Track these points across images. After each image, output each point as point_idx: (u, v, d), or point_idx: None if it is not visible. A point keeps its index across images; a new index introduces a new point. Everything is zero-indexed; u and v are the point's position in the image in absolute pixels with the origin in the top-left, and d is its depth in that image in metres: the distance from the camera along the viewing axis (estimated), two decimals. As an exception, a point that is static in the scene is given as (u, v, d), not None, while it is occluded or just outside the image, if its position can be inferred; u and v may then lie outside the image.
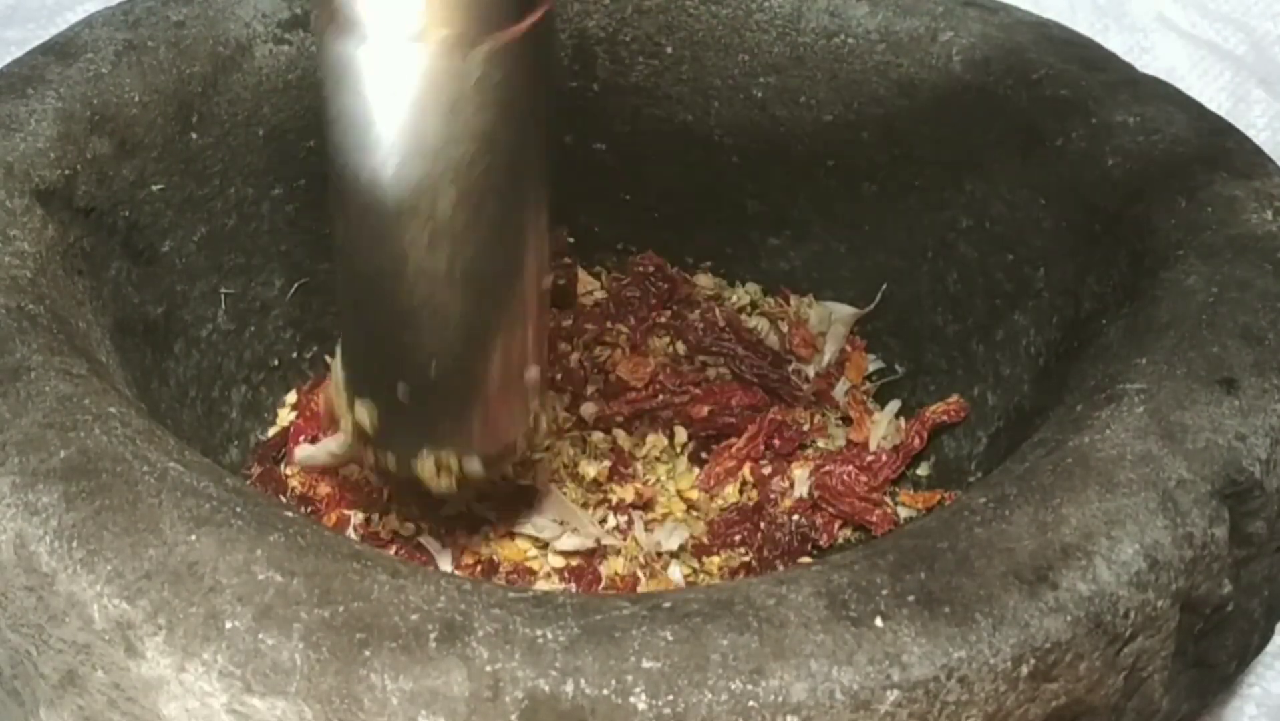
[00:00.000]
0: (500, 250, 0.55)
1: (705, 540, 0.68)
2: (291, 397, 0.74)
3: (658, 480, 0.70)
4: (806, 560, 0.68)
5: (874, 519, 0.68)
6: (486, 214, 0.53)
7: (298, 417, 0.71)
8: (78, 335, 0.53)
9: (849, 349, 0.77)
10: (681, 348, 0.76)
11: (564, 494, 0.68)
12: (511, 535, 0.66)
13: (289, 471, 0.68)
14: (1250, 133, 0.69)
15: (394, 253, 0.53)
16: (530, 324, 0.58)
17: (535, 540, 0.66)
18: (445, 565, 0.65)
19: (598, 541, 0.66)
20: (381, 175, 0.51)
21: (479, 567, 0.65)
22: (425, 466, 0.59)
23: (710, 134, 0.77)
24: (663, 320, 0.77)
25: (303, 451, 0.68)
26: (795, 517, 0.69)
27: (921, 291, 0.73)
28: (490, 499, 0.67)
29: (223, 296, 0.68)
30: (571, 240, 0.79)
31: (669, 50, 0.75)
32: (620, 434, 0.71)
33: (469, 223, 0.53)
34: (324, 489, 0.67)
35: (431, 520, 0.67)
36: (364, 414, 0.59)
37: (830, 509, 0.69)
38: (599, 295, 0.80)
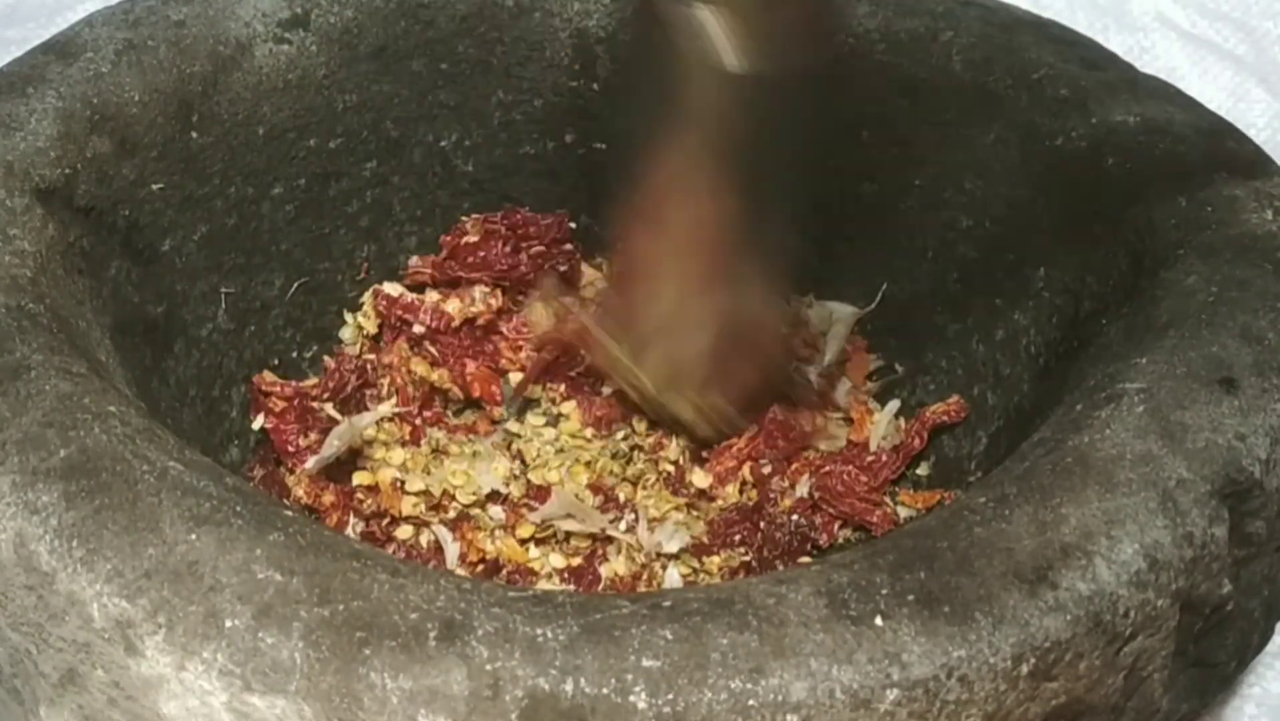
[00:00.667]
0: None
1: (705, 539, 0.68)
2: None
3: (659, 479, 0.70)
4: (806, 560, 0.67)
5: (874, 519, 0.68)
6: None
7: (268, 419, 0.71)
8: (78, 334, 0.53)
9: (850, 349, 0.76)
10: None
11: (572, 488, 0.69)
12: (514, 531, 0.67)
13: (291, 480, 0.68)
14: (1250, 132, 0.69)
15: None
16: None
17: (538, 539, 0.66)
18: (451, 559, 0.65)
19: (602, 530, 0.66)
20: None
21: (481, 566, 0.65)
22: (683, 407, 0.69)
23: (709, 133, 0.77)
24: None
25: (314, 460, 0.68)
26: (795, 517, 0.69)
27: (922, 291, 0.73)
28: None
29: (223, 296, 0.68)
30: (573, 225, 0.80)
31: (669, 50, 0.75)
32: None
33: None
34: (328, 498, 0.67)
35: None
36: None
37: (830, 509, 0.69)
38: (601, 285, 0.80)
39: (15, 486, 0.43)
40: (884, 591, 0.41)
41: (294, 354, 0.74)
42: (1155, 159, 0.60)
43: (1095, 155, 0.62)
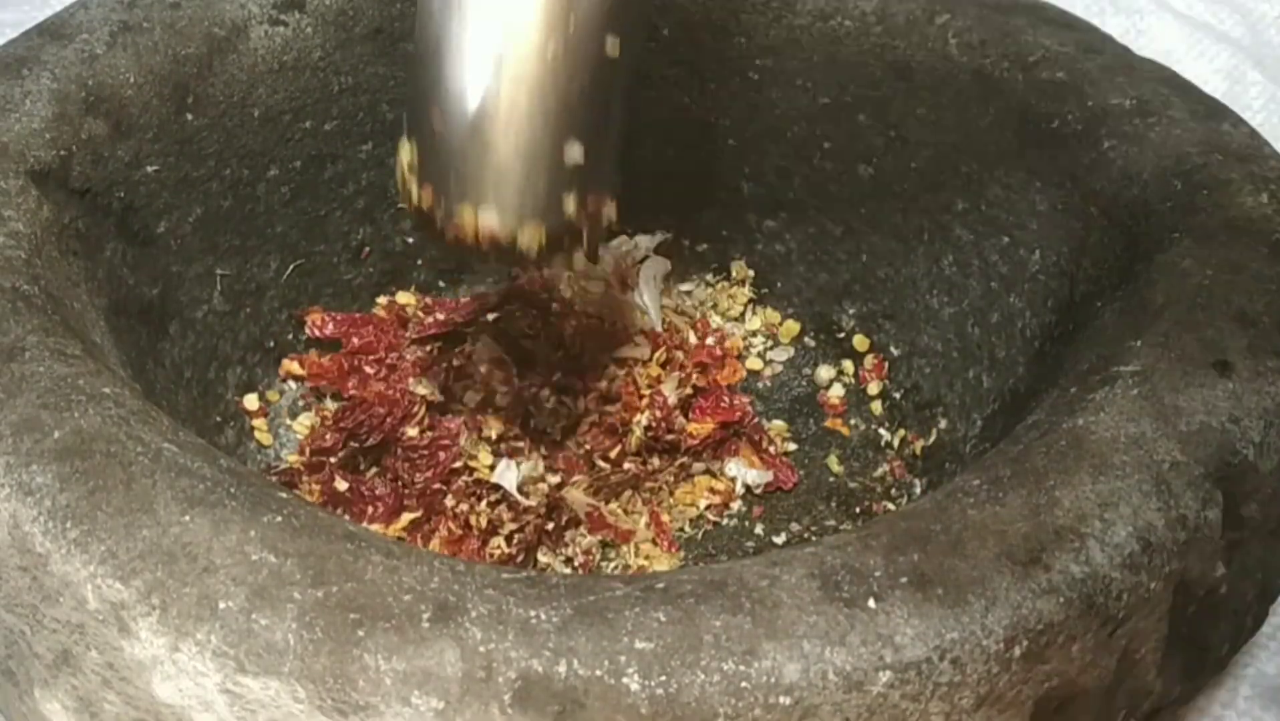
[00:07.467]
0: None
1: None
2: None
3: None
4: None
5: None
6: None
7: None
8: (73, 316, 0.53)
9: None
10: None
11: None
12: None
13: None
14: (1246, 115, 0.69)
15: None
16: (574, 86, 0.55)
17: None
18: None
19: None
20: None
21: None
22: (463, 213, 0.56)
23: (706, 116, 0.77)
24: None
25: None
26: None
27: (917, 274, 0.73)
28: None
29: (218, 278, 0.68)
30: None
31: (665, 32, 0.75)
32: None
33: None
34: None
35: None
36: (407, 150, 0.57)
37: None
38: None
39: (9, 468, 0.43)
40: (877, 573, 0.41)
41: (289, 336, 0.74)
42: (1151, 142, 0.60)
43: (1091, 138, 0.62)
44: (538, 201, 0.56)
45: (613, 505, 0.70)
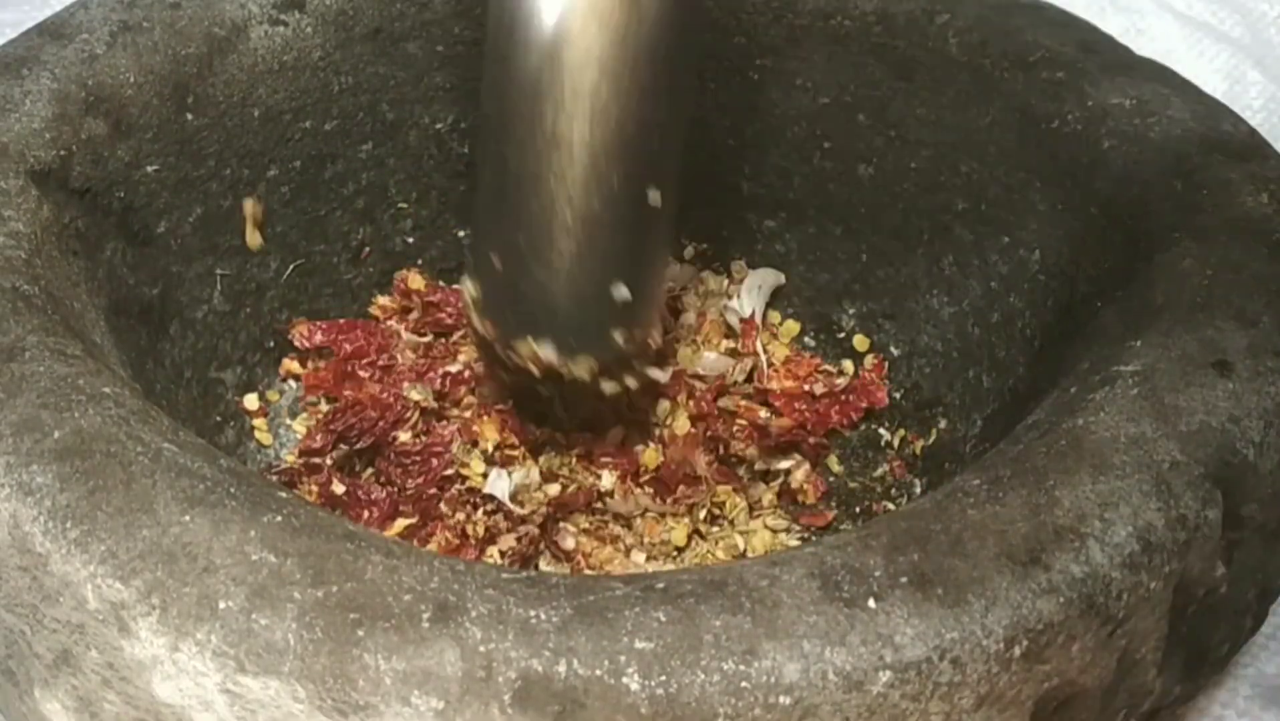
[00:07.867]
0: (607, 155, 0.57)
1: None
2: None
3: None
4: None
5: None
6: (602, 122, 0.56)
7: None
8: (73, 316, 0.53)
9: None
10: None
11: None
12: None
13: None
14: (1246, 115, 0.69)
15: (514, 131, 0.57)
16: (621, 237, 0.60)
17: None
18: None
19: None
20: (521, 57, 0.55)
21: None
22: (521, 345, 0.62)
23: (706, 116, 0.76)
24: None
25: None
26: None
27: (917, 274, 0.73)
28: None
29: (218, 277, 0.68)
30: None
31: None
32: None
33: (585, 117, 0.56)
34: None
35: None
36: (470, 286, 0.63)
37: None
38: None
39: (10, 468, 0.43)
40: (877, 573, 0.41)
41: (289, 336, 0.74)
42: (1151, 142, 0.60)
43: (1091, 138, 0.62)
44: (589, 337, 0.62)
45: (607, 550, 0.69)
